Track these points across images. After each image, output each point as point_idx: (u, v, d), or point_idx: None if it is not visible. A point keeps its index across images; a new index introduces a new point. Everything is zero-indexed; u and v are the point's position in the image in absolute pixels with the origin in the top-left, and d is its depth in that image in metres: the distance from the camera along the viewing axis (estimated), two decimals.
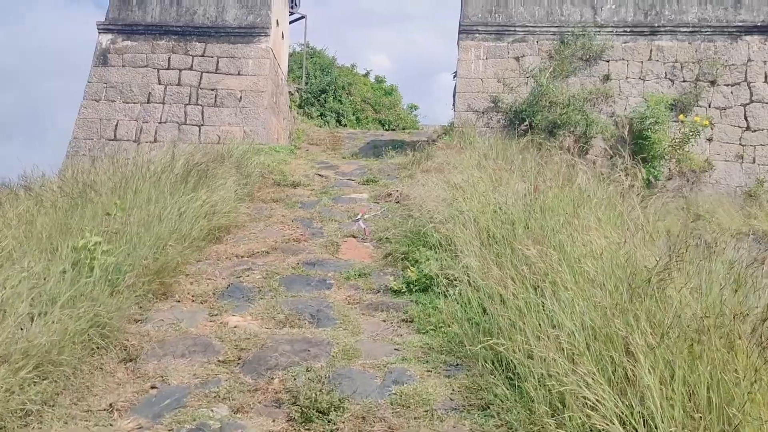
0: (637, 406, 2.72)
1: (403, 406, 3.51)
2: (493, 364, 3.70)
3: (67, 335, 3.89)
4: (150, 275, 5.32)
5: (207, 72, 14.20)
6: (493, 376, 3.58)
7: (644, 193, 5.69)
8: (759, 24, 13.50)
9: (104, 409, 3.53)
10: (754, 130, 13.11)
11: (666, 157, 12.64)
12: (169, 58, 14.28)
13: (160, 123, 13.95)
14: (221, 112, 13.95)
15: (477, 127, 13.40)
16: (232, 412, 3.49)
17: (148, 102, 14.10)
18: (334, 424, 3.31)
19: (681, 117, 12.86)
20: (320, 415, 3.35)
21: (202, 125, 13.89)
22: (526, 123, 13.06)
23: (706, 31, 13.50)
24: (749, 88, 13.26)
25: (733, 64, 13.36)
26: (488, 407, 3.45)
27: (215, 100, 14.02)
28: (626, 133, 12.07)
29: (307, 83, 19.68)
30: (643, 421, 2.68)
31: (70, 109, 14.36)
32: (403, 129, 22.25)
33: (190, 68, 14.22)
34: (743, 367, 2.68)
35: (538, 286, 3.91)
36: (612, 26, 13.82)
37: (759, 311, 2.97)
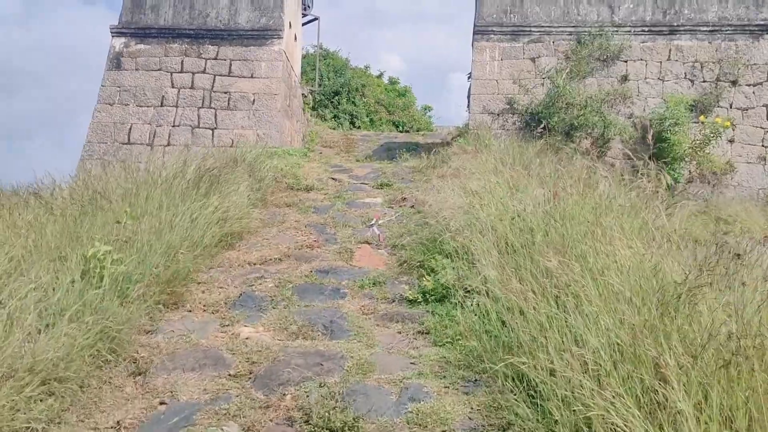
0: None
1: (420, 425, 3.37)
2: (513, 381, 3.55)
3: (74, 348, 3.80)
4: (161, 284, 5.23)
5: (220, 75, 14.15)
6: (513, 395, 3.43)
7: (666, 198, 5.50)
8: None
9: (112, 427, 3.43)
10: None
11: (686, 159, 12.38)
12: (182, 61, 14.25)
13: (173, 126, 13.92)
14: (234, 116, 13.89)
15: (492, 129, 13.22)
16: (242, 431, 3.37)
17: (161, 105, 14.07)
18: None
19: (701, 118, 12.59)
20: None
21: (216, 128, 13.84)
22: (543, 125, 12.84)
23: (726, 30, 13.21)
24: None
25: (755, 64, 13.07)
26: (509, 428, 3.30)
27: (228, 103, 13.97)
28: (650, 137, 11.80)
29: (320, 85, 19.60)
30: None
31: (90, 111, 14.36)
32: (417, 131, 22.10)
33: (203, 71, 14.18)
34: None
35: (560, 299, 3.75)
36: (630, 26, 13.58)
37: None
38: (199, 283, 5.82)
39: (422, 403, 3.58)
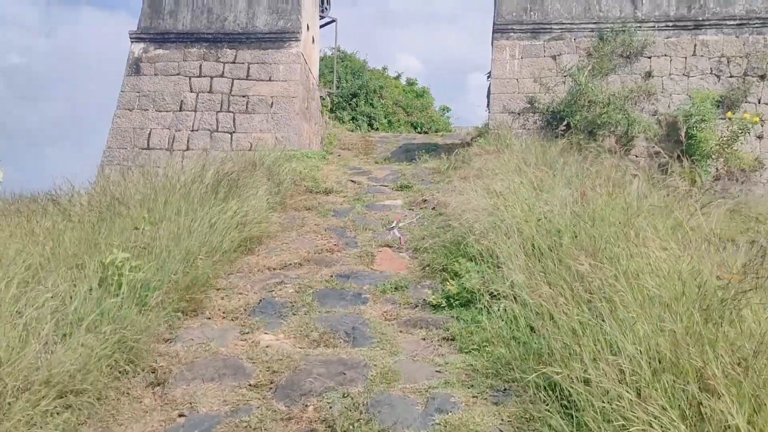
0: None
1: None
2: (545, 390, 3.38)
3: (92, 359, 3.71)
4: (179, 291, 5.14)
5: (238, 78, 14.12)
6: (546, 405, 3.27)
7: (700, 197, 5.28)
8: None
9: None
10: None
11: (713, 156, 12.06)
12: (201, 65, 14.24)
13: (192, 131, 13.91)
14: (253, 119, 13.85)
15: (513, 129, 13.01)
16: None
17: (180, 110, 14.07)
18: None
19: (729, 114, 12.26)
20: None
21: (234, 132, 13.80)
22: (565, 123, 12.60)
23: (754, 24, 12.86)
24: None
25: None
26: None
27: (246, 107, 13.93)
28: (683, 134, 11.50)
29: (338, 87, 19.52)
30: None
31: (110, 116, 14.42)
32: (436, 131, 21.94)
33: (221, 75, 14.16)
34: None
35: (592, 304, 3.58)
36: (653, 21, 13.29)
37: None
38: (218, 289, 5.73)
39: (450, 414, 3.43)
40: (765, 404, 2.41)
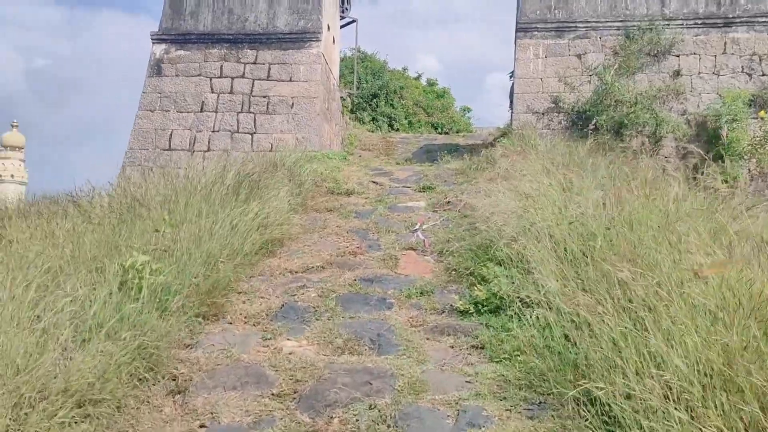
0: None
1: None
2: (584, 405, 3.20)
3: (111, 366, 3.60)
4: (200, 295, 5.03)
5: (259, 79, 14.05)
6: (586, 421, 3.08)
7: (744, 199, 5.05)
8: None
9: None
10: None
11: (745, 157, 11.72)
12: (222, 66, 14.20)
13: (213, 132, 13.87)
14: (273, 120, 13.77)
15: (537, 129, 12.77)
16: None
17: (201, 111, 14.04)
18: None
19: (761, 114, 11.91)
20: None
21: (255, 133, 13.74)
22: (593, 123, 12.31)
23: None
24: None
25: None
26: None
27: (267, 108, 13.85)
28: (725, 133, 11.16)
29: (358, 88, 19.40)
30: None
31: (132, 117, 14.47)
32: (457, 132, 21.73)
33: (242, 76, 14.10)
34: None
35: (635, 313, 3.38)
36: (682, 18, 12.97)
37: None
38: (240, 292, 5.61)
39: (483, 429, 3.26)
40: None
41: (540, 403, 3.49)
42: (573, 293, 3.80)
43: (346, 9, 17.86)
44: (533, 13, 13.52)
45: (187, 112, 14.04)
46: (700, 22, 12.92)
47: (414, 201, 9.43)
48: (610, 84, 12.44)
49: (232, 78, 14.13)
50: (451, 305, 5.12)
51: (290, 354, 4.30)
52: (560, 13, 13.44)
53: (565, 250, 4.69)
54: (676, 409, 2.63)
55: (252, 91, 14.01)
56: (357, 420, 3.36)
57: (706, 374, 2.76)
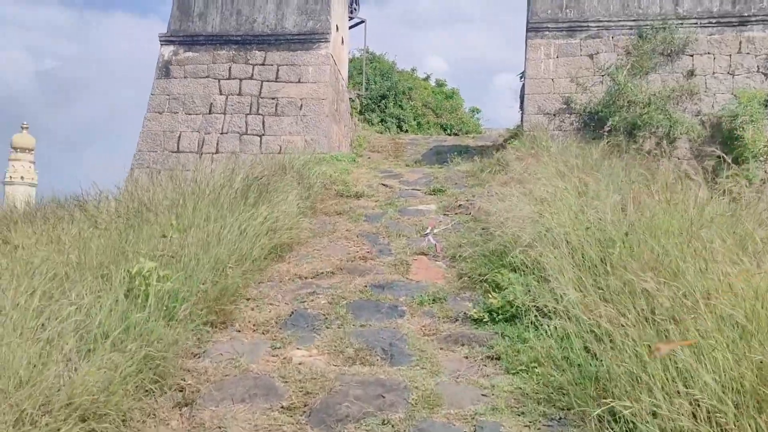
0: None
1: None
2: (607, 421, 3.06)
3: (117, 378, 3.50)
4: (208, 302, 4.92)
5: (267, 81, 13.96)
6: None
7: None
8: None
9: None
10: None
11: (761, 158, 11.52)
12: (230, 68, 14.13)
13: (221, 134, 13.80)
14: (282, 122, 13.67)
15: (548, 131, 12.60)
16: None
17: (209, 113, 13.97)
18: None
19: None
20: None
21: (263, 135, 13.65)
22: (608, 125, 12.10)
23: None
24: None
25: None
26: None
27: (276, 109, 13.76)
28: (749, 134, 10.91)
29: (367, 89, 19.28)
30: None
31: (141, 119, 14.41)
32: (466, 133, 21.55)
33: (251, 77, 14.02)
34: None
35: (661, 326, 3.24)
36: (695, 18, 12.76)
37: None
38: (249, 299, 5.51)
39: None
40: None
41: (560, 418, 3.36)
42: (594, 303, 3.66)
43: (355, 9, 17.75)
44: (544, 12, 13.35)
45: (196, 114, 13.98)
46: (714, 21, 12.72)
47: (424, 204, 9.30)
48: (622, 84, 12.27)
49: (241, 79, 14.06)
50: (465, 313, 4.99)
51: (300, 364, 4.18)
52: (572, 13, 13.28)
53: (583, 256, 4.55)
54: (708, 430, 2.49)
55: (260, 92, 13.92)
56: None
57: (738, 392, 2.62)
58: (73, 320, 3.78)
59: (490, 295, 4.93)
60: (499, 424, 3.33)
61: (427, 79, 24.39)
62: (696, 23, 12.72)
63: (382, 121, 19.88)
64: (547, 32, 13.31)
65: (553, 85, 13.16)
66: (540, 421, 3.35)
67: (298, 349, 4.49)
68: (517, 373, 3.93)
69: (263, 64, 14.08)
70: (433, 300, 5.37)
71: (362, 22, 18.24)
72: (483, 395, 3.71)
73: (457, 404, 3.58)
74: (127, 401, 3.47)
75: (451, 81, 37.32)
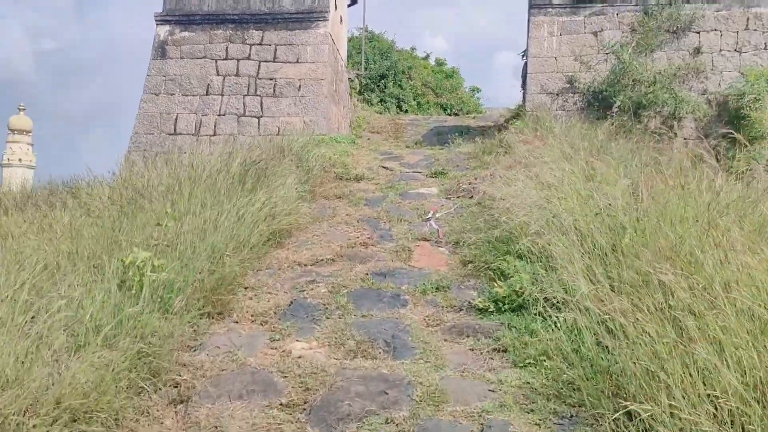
0: None
1: None
2: (620, 419, 2.92)
3: (108, 375, 3.35)
4: (205, 292, 4.77)
5: (265, 61, 13.69)
6: None
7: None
8: None
9: None
10: None
11: None
12: (227, 47, 13.84)
13: (219, 115, 13.56)
14: (280, 103, 13.43)
15: (551, 110, 12.37)
16: None
17: (206, 94, 13.72)
18: None
19: None
20: None
21: (261, 116, 13.41)
22: (617, 105, 11.85)
23: None
24: None
25: None
26: None
27: (274, 90, 13.51)
28: None
29: (366, 69, 18.97)
30: None
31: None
32: (467, 113, 21.27)
33: (248, 57, 13.75)
34: None
35: (676, 319, 3.08)
36: None
37: None
38: (247, 288, 5.36)
39: None
40: None
41: (571, 416, 3.21)
42: (607, 296, 3.50)
43: None
44: None
45: (193, 96, 13.73)
46: None
47: (426, 187, 9.12)
48: (627, 62, 12.02)
49: (238, 60, 13.78)
50: (469, 302, 4.84)
51: (300, 358, 4.04)
52: None
53: (593, 244, 4.38)
54: None
55: (258, 73, 13.66)
56: None
57: (764, 393, 2.47)
58: (64, 314, 3.63)
59: (496, 284, 4.78)
60: (507, 423, 3.19)
61: (426, 58, 24.04)
62: None
63: (381, 101, 19.59)
64: (550, 9, 13.01)
65: (557, 63, 12.89)
66: (550, 419, 3.20)
67: (297, 341, 4.35)
68: (525, 366, 3.79)
69: (261, 44, 13.79)
70: (437, 288, 5.22)
71: None
72: (490, 391, 3.56)
73: (463, 401, 3.44)
74: (119, 399, 3.33)
75: (451, 60, 36.92)
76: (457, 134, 13.57)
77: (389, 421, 3.23)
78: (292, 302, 5.02)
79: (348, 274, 5.64)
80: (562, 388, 3.42)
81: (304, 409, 3.41)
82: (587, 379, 3.30)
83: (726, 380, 2.59)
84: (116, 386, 3.37)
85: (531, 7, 13.13)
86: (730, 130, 10.93)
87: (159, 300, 4.41)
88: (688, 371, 2.75)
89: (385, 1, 53.57)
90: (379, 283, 5.38)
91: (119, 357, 3.51)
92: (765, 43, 12.14)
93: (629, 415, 2.93)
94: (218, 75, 13.80)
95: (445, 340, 4.30)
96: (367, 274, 5.60)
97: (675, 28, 12.41)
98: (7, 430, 2.74)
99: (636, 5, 12.67)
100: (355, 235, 6.89)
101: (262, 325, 4.66)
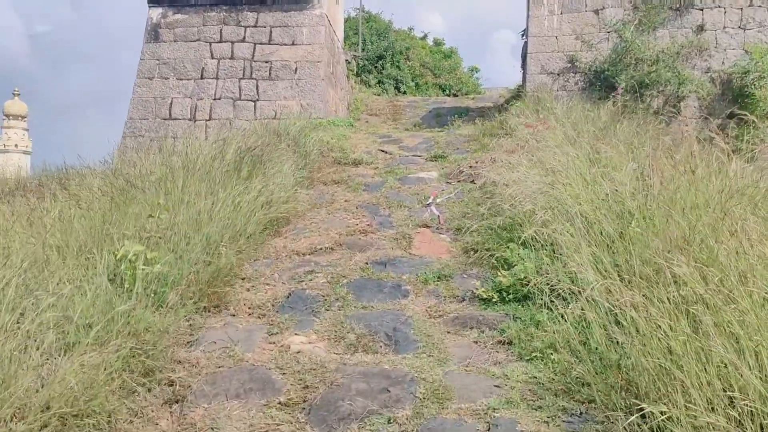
0: None
1: None
2: (631, 416, 2.80)
3: (100, 375, 3.23)
4: (201, 285, 4.64)
5: (260, 43, 13.43)
6: None
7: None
8: None
9: None
10: None
11: None
12: (221, 30, 13.58)
13: (214, 99, 13.33)
14: (276, 86, 13.20)
15: (552, 91, 12.16)
16: None
17: (201, 78, 13.48)
18: None
19: None
20: None
21: (258, 100, 13.19)
22: (611, 83, 11.67)
23: None
24: None
25: None
26: None
27: (270, 73, 13.27)
28: None
29: (363, 50, 18.68)
30: None
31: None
32: (466, 94, 21.03)
33: (243, 40, 13.49)
34: None
35: (690, 313, 2.96)
36: None
37: None
38: (243, 278, 5.23)
39: None
40: None
41: (581, 413, 3.09)
42: (617, 288, 3.36)
43: None
44: None
45: (187, 80, 13.49)
46: None
47: (425, 171, 8.96)
48: (629, 41, 11.79)
49: (233, 42, 13.52)
50: (472, 292, 4.71)
51: (298, 353, 3.91)
52: None
53: (600, 232, 4.24)
54: None
55: (254, 56, 13.41)
56: None
57: None
58: (54, 311, 3.50)
59: (499, 273, 4.64)
60: (515, 421, 3.07)
61: (424, 38, 23.73)
62: None
63: (379, 82, 19.34)
64: None
65: (557, 42, 12.66)
66: (560, 417, 3.08)
67: (296, 334, 4.22)
68: (531, 360, 3.67)
69: (255, 26, 13.53)
70: (438, 278, 5.09)
71: None
72: (496, 386, 3.44)
73: (469, 398, 3.32)
74: (112, 400, 3.21)
75: (449, 39, 36.44)
76: (456, 116, 13.39)
77: (392, 420, 3.11)
78: (290, 294, 4.89)
79: (347, 263, 5.51)
80: (570, 383, 3.30)
81: (304, 408, 3.29)
82: (597, 374, 3.18)
83: (745, 378, 2.46)
84: (109, 386, 3.25)
85: None
86: (736, 110, 10.79)
87: (152, 294, 4.28)
88: (704, 368, 2.62)
89: None
90: (380, 273, 5.25)
91: (111, 356, 3.38)
92: None
93: (641, 412, 2.81)
94: (213, 58, 13.55)
95: (448, 333, 4.18)
96: (366, 263, 5.47)
97: (678, 5, 12.16)
98: None
99: None
100: (354, 222, 6.75)
101: (259, 318, 4.53)
